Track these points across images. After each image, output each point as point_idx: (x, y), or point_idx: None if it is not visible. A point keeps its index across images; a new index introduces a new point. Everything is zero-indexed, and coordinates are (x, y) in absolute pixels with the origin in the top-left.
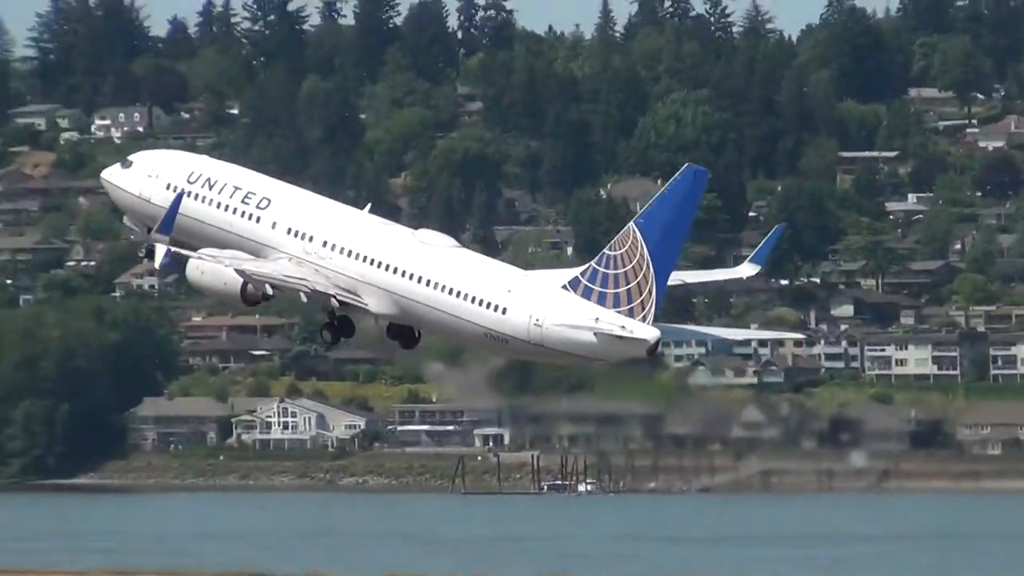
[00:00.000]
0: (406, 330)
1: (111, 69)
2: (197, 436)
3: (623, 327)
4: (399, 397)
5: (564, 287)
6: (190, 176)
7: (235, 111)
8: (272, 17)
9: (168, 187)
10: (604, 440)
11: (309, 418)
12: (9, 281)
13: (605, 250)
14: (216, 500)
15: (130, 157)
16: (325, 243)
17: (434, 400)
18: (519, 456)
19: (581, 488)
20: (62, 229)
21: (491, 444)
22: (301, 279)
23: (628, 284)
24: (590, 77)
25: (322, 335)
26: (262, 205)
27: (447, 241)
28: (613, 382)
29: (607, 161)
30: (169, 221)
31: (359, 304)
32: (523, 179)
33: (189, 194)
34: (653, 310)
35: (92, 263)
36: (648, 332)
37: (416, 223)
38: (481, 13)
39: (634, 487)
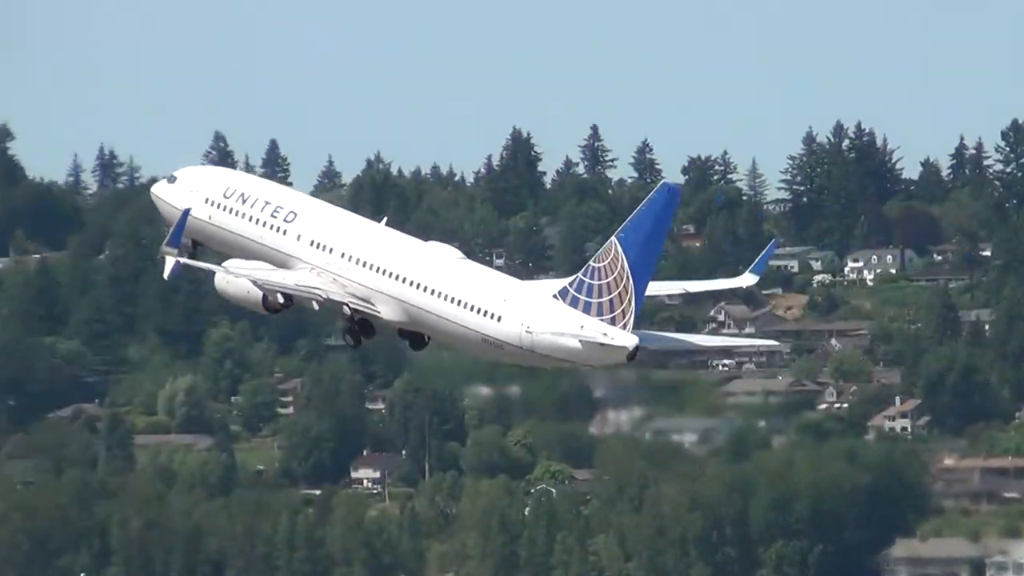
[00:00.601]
0: (416, 334)
1: (863, 211)
2: None
3: (605, 334)
4: None
5: (555, 296)
6: (226, 191)
7: (987, 253)
8: None
9: (206, 201)
10: None
11: None
12: (762, 423)
13: (591, 262)
14: None
15: (175, 173)
16: (343, 255)
17: None
18: None
19: None
20: (814, 371)
21: None
22: (314, 288)
23: (611, 294)
24: None
25: (345, 339)
26: (289, 219)
27: (454, 253)
28: None
29: None
30: (176, 236)
31: (372, 312)
32: None
33: (223, 208)
34: (632, 318)
35: (844, 405)
36: (628, 339)
37: None
38: None
39: None
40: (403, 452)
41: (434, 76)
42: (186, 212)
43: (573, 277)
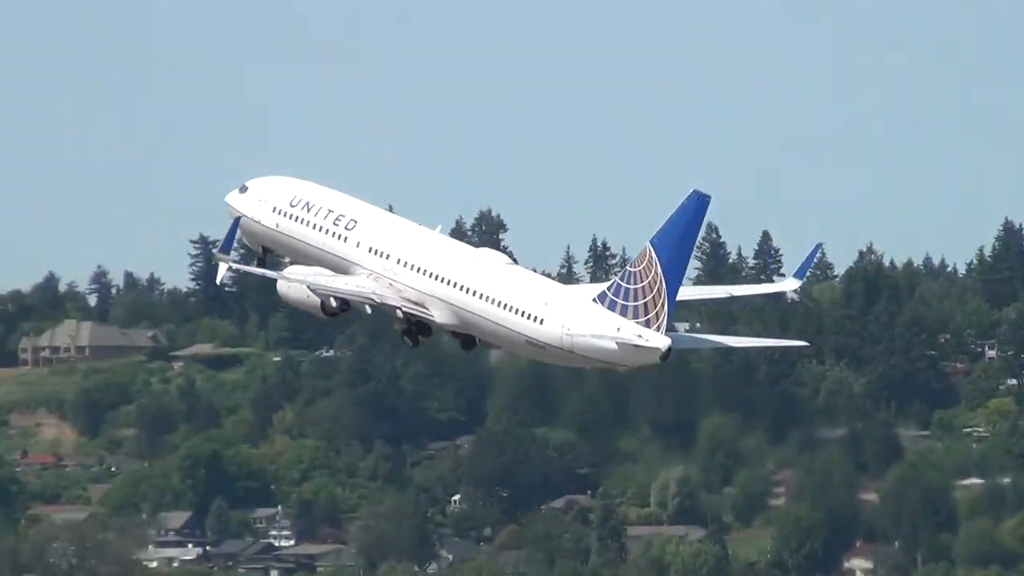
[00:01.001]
0: (467, 336)
1: None
2: None
3: (640, 336)
4: None
5: (594, 300)
6: (292, 200)
7: None
8: None
9: (273, 210)
10: None
11: None
12: None
13: (627, 266)
14: None
15: (246, 183)
16: (399, 260)
17: None
18: None
19: None
20: None
21: None
22: (366, 292)
23: (646, 297)
24: None
25: (404, 340)
26: (349, 226)
27: (502, 259)
28: None
29: None
30: (228, 242)
31: (425, 316)
32: None
33: (289, 216)
34: (666, 320)
35: None
36: (661, 340)
37: None
38: None
39: None
40: (896, 543)
41: (924, 168)
42: (237, 219)
43: (611, 281)
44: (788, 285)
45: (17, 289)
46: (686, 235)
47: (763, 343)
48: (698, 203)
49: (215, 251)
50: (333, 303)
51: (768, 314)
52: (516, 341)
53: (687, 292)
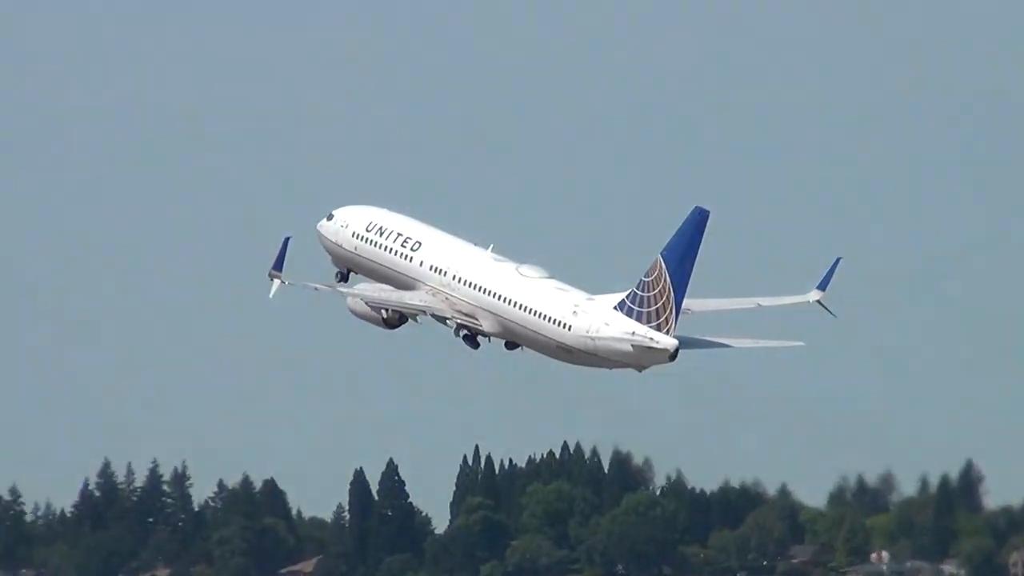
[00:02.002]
0: (510, 342)
1: None
2: None
3: (652, 339)
4: None
5: (615, 308)
6: (368, 225)
7: None
8: None
9: (353, 235)
10: None
11: None
12: None
13: (642, 276)
14: None
15: (333, 211)
16: (454, 277)
17: None
18: None
19: None
20: None
21: None
22: (418, 304)
23: (657, 304)
24: None
25: (464, 341)
26: (414, 248)
27: (540, 272)
28: None
29: None
30: (279, 262)
31: (476, 326)
32: None
33: (365, 240)
34: (674, 323)
35: None
36: (669, 342)
37: None
38: None
39: None
40: None
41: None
42: (287, 240)
43: (629, 290)
44: (812, 296)
45: None
46: (690, 247)
47: (762, 344)
48: (699, 217)
49: (270, 269)
50: (385, 315)
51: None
52: (549, 346)
53: (716, 304)
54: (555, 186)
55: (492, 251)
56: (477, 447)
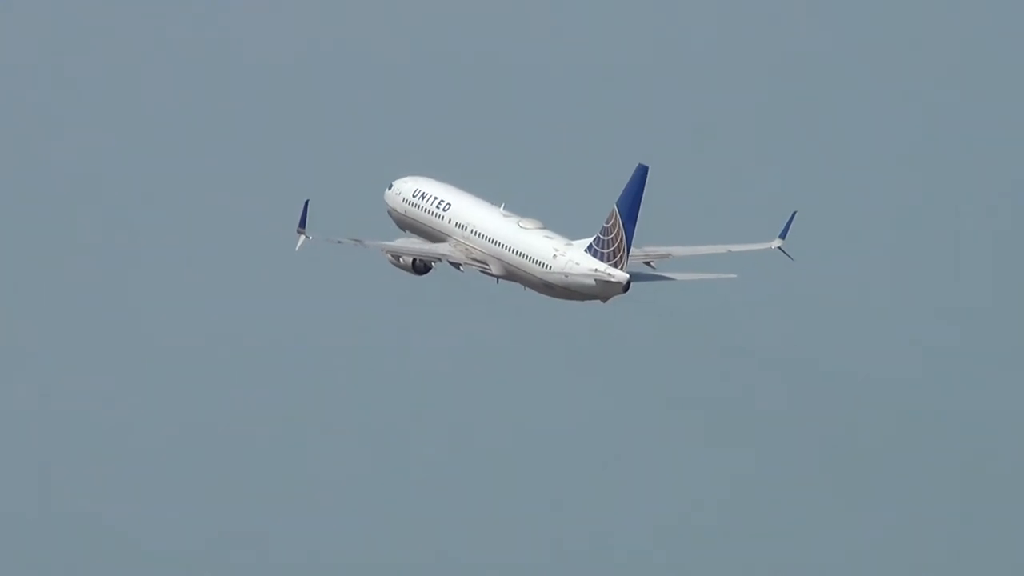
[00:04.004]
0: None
1: None
2: None
3: (609, 274)
4: None
5: (586, 250)
6: (414, 192)
7: None
8: None
9: (403, 200)
10: None
11: None
12: None
13: (603, 223)
14: None
15: (392, 182)
16: (472, 231)
17: None
18: None
19: None
20: None
21: None
22: (433, 252)
23: (613, 246)
24: None
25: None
26: (445, 209)
27: (536, 224)
28: None
29: None
30: (303, 220)
31: (486, 270)
32: None
33: (413, 204)
34: (626, 261)
35: None
36: (622, 276)
37: None
38: None
39: None
40: None
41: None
42: (307, 202)
43: (595, 235)
44: (774, 243)
45: None
46: (636, 198)
47: (698, 277)
48: (641, 173)
49: (297, 227)
50: (404, 261)
51: None
52: (537, 283)
53: (691, 250)
54: (558, 153)
55: (503, 209)
56: None
